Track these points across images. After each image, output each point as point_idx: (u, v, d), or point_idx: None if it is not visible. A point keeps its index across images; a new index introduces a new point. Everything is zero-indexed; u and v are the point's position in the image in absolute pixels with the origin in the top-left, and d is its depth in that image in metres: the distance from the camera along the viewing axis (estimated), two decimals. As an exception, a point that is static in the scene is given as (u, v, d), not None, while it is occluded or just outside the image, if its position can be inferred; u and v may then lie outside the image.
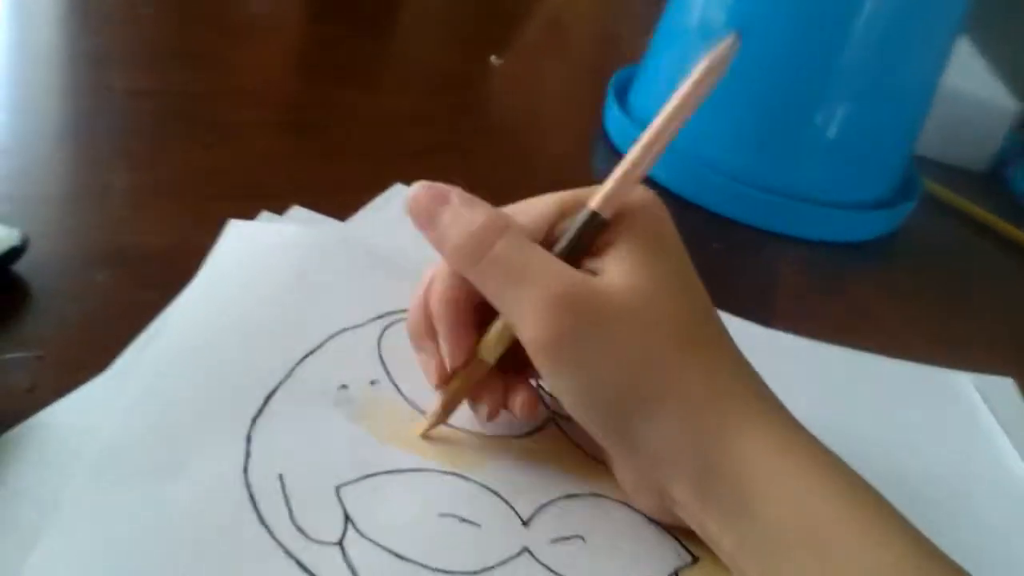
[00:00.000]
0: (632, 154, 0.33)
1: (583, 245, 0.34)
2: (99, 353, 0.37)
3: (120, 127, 0.55)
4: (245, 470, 0.33)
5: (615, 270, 0.33)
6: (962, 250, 0.69)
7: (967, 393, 0.49)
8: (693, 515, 0.33)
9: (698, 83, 0.33)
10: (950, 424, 0.47)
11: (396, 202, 0.52)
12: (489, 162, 0.62)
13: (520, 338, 0.33)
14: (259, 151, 0.56)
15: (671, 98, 0.33)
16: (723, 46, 0.32)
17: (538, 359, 0.33)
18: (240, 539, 0.30)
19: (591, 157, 0.68)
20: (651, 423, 0.32)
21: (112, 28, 0.68)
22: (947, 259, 0.67)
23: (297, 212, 0.48)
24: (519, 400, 0.36)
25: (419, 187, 0.34)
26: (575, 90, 0.79)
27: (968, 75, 0.80)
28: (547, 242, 0.35)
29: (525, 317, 0.32)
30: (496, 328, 0.35)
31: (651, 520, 0.36)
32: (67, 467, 0.32)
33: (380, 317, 0.42)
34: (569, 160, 0.67)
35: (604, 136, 0.69)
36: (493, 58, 0.77)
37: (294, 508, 0.32)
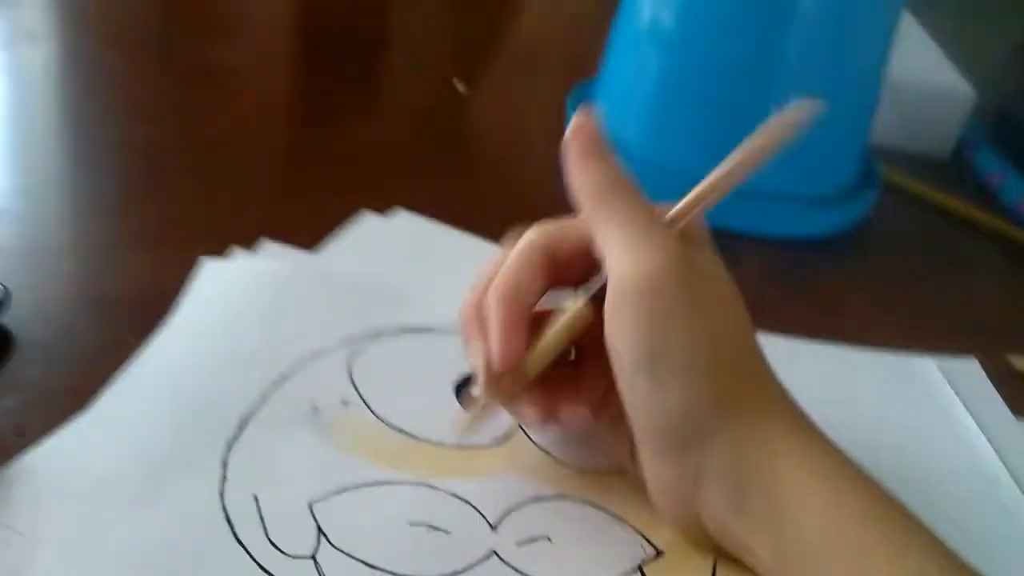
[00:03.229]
0: (687, 199, 0.36)
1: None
2: (82, 394, 0.39)
3: (95, 179, 0.57)
4: (221, 494, 0.34)
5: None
6: (928, 236, 0.69)
7: (932, 376, 0.50)
8: (727, 525, 0.33)
9: (764, 145, 0.35)
10: (916, 408, 0.47)
11: (365, 228, 0.54)
12: (457, 189, 0.63)
13: (622, 270, 0.33)
14: (230, 194, 0.57)
15: (737, 152, 0.36)
16: (799, 112, 0.35)
17: (630, 294, 0.32)
18: (216, 557, 0.32)
19: (557, 172, 0.69)
20: (704, 451, 0.33)
21: (89, 82, 0.70)
22: (912, 246, 0.68)
23: (268, 247, 0.50)
24: (570, 411, 0.36)
25: (572, 129, 0.36)
26: (543, 110, 0.80)
27: (923, 63, 0.81)
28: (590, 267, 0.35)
29: (639, 245, 0.33)
30: (546, 340, 0.35)
31: (616, 517, 0.37)
32: (55, 505, 0.33)
33: (351, 340, 0.43)
34: (537, 177, 0.67)
35: (570, 151, 0.70)
36: (457, 82, 0.79)
37: (269, 526, 0.34)
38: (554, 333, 0.35)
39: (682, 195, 0.36)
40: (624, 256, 0.33)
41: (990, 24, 1.17)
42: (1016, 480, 0.43)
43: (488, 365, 0.35)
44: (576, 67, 0.82)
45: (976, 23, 1.12)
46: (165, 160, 0.60)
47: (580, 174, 0.35)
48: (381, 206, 0.56)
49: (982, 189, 0.77)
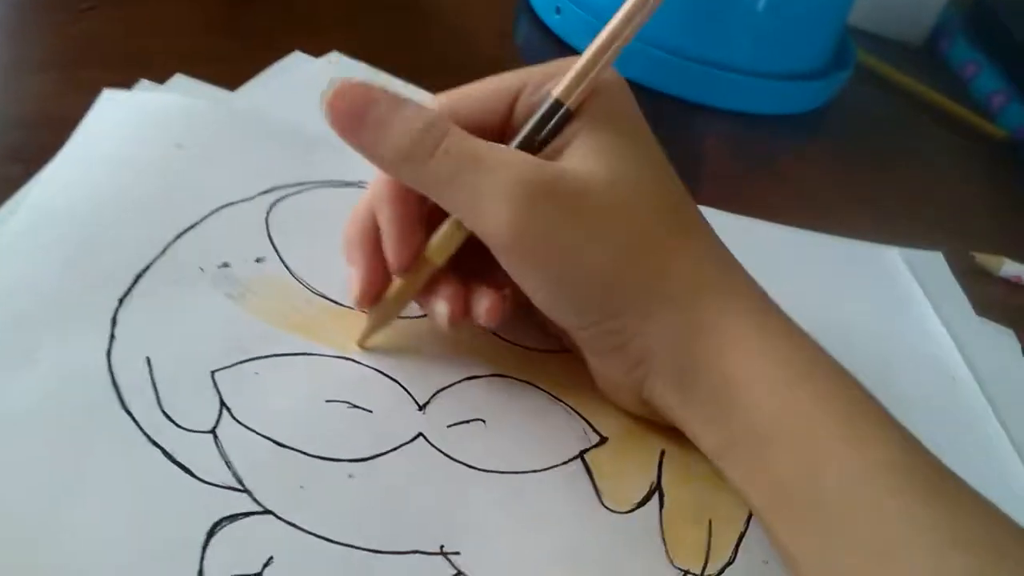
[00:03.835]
0: (599, 39, 0.30)
1: (547, 137, 0.30)
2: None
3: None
4: (108, 354, 0.30)
5: (587, 153, 0.30)
6: (897, 124, 0.67)
7: (896, 267, 0.48)
8: (675, 413, 0.31)
9: None
10: (879, 298, 0.46)
11: (295, 71, 0.48)
12: (407, 37, 0.58)
13: (482, 235, 0.29)
14: (143, 18, 0.51)
15: None
16: None
17: (505, 255, 0.29)
18: (98, 428, 0.28)
19: (514, 30, 0.64)
20: (632, 316, 0.30)
21: None
22: (880, 133, 0.65)
23: (180, 81, 0.44)
24: (484, 304, 0.32)
25: (338, 87, 0.29)
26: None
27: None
28: (505, 126, 0.31)
29: (488, 212, 0.28)
30: (446, 226, 0.31)
31: (557, 399, 0.34)
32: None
33: (270, 191, 0.38)
34: (491, 33, 0.62)
35: (527, 7, 0.65)
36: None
37: (162, 394, 0.29)
38: (452, 221, 0.31)
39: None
40: (485, 219, 0.29)
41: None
42: (974, 375, 0.42)
43: (369, 281, 0.32)
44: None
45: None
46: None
47: (369, 137, 0.29)
48: (316, 50, 0.50)
49: (955, 80, 0.74)
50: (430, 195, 0.30)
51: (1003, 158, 0.65)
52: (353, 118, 0.29)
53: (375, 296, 0.32)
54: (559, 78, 0.30)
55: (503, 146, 0.30)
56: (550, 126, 0.30)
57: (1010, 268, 0.51)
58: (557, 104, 0.30)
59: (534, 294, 0.30)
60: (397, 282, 0.32)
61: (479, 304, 0.32)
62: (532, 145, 0.30)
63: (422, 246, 0.31)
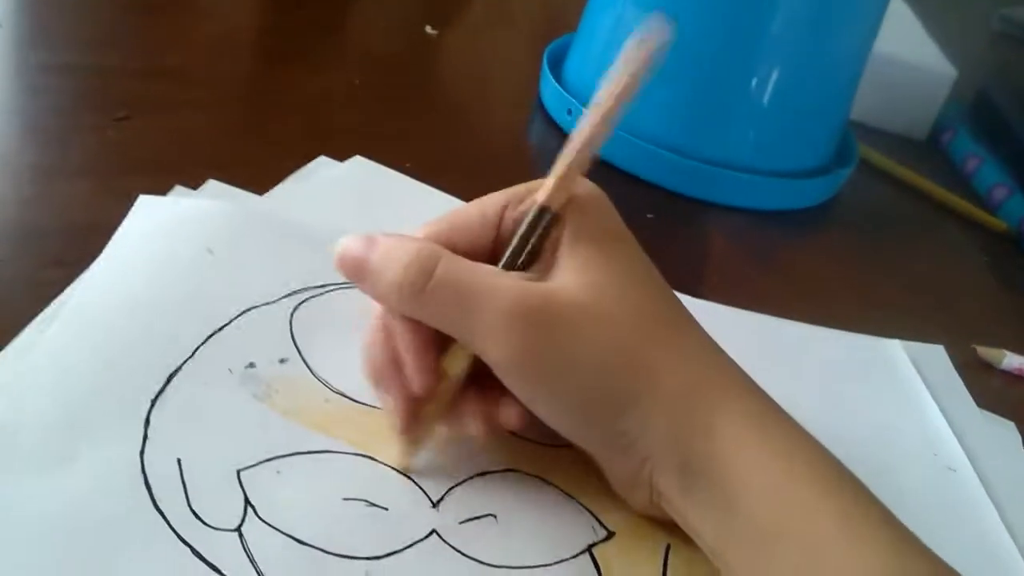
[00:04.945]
0: (573, 145, 0.32)
1: (535, 244, 0.33)
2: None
3: (31, 103, 0.53)
4: (142, 454, 0.32)
5: (569, 269, 0.32)
6: (899, 217, 0.69)
7: (899, 361, 0.49)
8: (676, 509, 0.32)
9: (635, 74, 0.32)
10: (881, 392, 0.47)
11: (320, 174, 0.51)
12: (425, 137, 0.60)
13: (486, 361, 0.32)
14: (178, 126, 0.54)
15: (608, 86, 0.32)
16: (655, 36, 0.32)
17: (507, 379, 0.32)
18: (132, 527, 0.29)
19: (528, 129, 0.67)
20: (633, 420, 0.31)
21: (32, 7, 0.65)
22: (884, 227, 0.67)
23: (213, 187, 0.47)
24: (510, 414, 0.34)
25: (345, 240, 0.33)
26: (515, 61, 0.77)
27: (907, 41, 0.80)
28: (496, 244, 0.34)
29: (485, 339, 0.31)
30: (456, 346, 0.33)
31: (567, 494, 0.35)
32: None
33: (293, 294, 0.41)
34: (506, 133, 0.65)
35: (541, 108, 0.68)
36: (428, 28, 0.75)
37: (191, 493, 0.31)
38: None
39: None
40: (484, 347, 0.31)
41: (974, 6, 1.16)
42: (975, 468, 0.42)
43: (405, 408, 0.33)
44: (553, 22, 0.79)
45: (961, 5, 1.10)
46: (112, 88, 0.56)
47: (371, 280, 0.32)
48: (341, 153, 0.53)
49: (957, 173, 0.76)
50: (432, 326, 0.32)
51: (1005, 250, 0.67)
52: (356, 267, 0.32)
53: (414, 417, 0.34)
54: (542, 188, 0.33)
55: (493, 270, 0.32)
56: (538, 232, 0.33)
57: (1012, 361, 0.52)
58: (542, 209, 0.32)
59: (535, 408, 0.32)
60: (427, 406, 0.34)
61: (505, 414, 0.34)
62: (521, 255, 0.33)
63: (438, 366, 0.33)
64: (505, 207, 0.34)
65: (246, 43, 0.70)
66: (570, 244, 0.32)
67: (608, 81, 0.32)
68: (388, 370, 0.33)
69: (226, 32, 0.70)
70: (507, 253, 0.33)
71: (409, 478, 0.34)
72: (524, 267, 0.33)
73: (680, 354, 0.32)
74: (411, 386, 0.33)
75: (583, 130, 0.32)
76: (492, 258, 0.33)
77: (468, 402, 0.34)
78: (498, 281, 0.31)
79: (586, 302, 0.31)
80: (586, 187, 0.34)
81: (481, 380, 0.33)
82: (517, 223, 0.33)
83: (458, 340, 0.32)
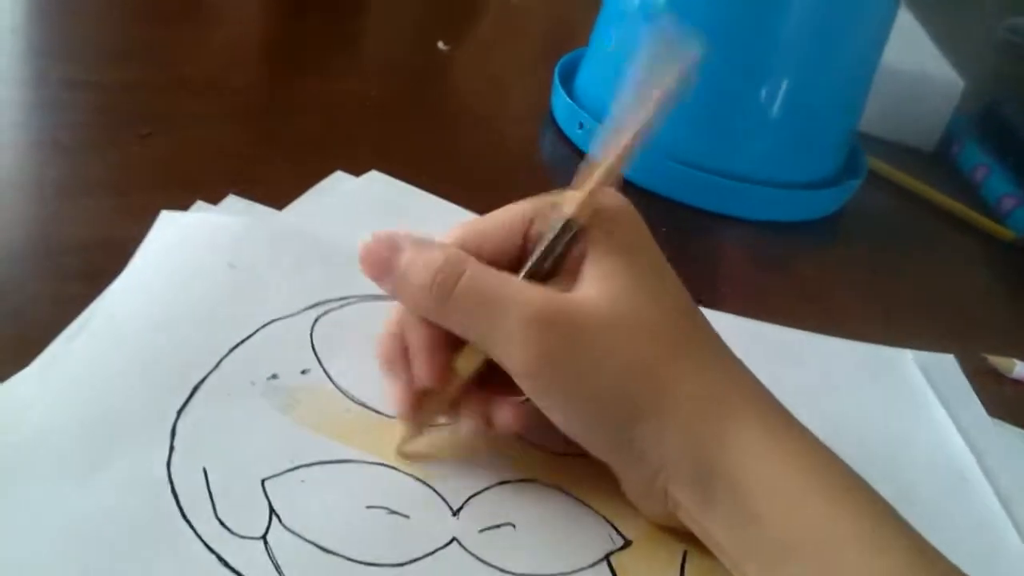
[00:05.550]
0: (607, 159, 0.33)
1: (559, 254, 0.33)
2: (25, 347, 0.36)
3: (53, 118, 0.54)
4: (168, 464, 0.32)
5: (592, 280, 0.32)
6: (909, 228, 0.69)
7: (909, 370, 0.49)
8: (694, 519, 0.32)
9: (667, 92, 0.32)
10: (892, 401, 0.47)
11: (336, 189, 0.52)
12: (438, 150, 0.61)
13: (504, 367, 0.32)
14: (197, 141, 0.55)
15: (639, 101, 0.33)
16: (687, 55, 0.32)
17: (525, 385, 0.32)
18: (160, 535, 0.30)
19: (540, 143, 0.67)
20: (648, 430, 0.32)
21: (50, 19, 0.66)
22: (893, 237, 0.67)
23: (233, 202, 0.48)
24: (503, 416, 0.35)
25: (369, 241, 0.33)
26: (526, 76, 0.78)
27: (914, 52, 0.80)
28: (521, 252, 0.34)
29: (506, 346, 0.31)
30: (470, 347, 0.34)
31: (585, 503, 0.36)
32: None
33: (313, 306, 0.41)
34: (518, 147, 0.66)
35: (552, 122, 0.69)
36: (441, 44, 0.76)
37: (217, 503, 0.32)
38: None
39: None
40: (504, 353, 0.32)
41: (980, 16, 1.16)
42: (987, 476, 0.43)
43: (406, 393, 0.35)
44: (563, 37, 0.80)
45: (967, 15, 1.11)
46: (132, 102, 0.57)
47: (395, 283, 0.33)
48: (356, 167, 0.54)
49: (966, 183, 0.76)
50: (454, 332, 0.33)
51: (1014, 260, 0.67)
52: (380, 268, 0.33)
53: (417, 406, 0.35)
54: (569, 200, 0.33)
55: (516, 280, 0.32)
56: (563, 243, 0.33)
57: (1022, 369, 0.52)
58: (568, 222, 0.33)
59: (552, 416, 0.33)
60: (430, 395, 0.35)
61: (499, 415, 0.35)
62: (545, 264, 0.33)
63: (449, 362, 0.34)
64: (532, 217, 0.34)
65: (261, 52, 0.71)
66: (595, 256, 0.33)
67: (639, 96, 0.33)
68: (400, 361, 0.34)
69: (240, 40, 0.71)
70: (531, 262, 0.33)
71: (430, 487, 0.34)
72: (548, 277, 0.33)
73: (697, 366, 0.33)
74: (420, 380, 0.34)
75: (612, 146, 0.33)
76: (517, 266, 0.34)
77: (470, 400, 0.35)
78: (523, 290, 0.32)
79: (607, 313, 0.32)
80: (615, 200, 0.34)
81: (485, 380, 0.34)
82: (542, 233, 0.34)
83: (479, 345, 0.33)
